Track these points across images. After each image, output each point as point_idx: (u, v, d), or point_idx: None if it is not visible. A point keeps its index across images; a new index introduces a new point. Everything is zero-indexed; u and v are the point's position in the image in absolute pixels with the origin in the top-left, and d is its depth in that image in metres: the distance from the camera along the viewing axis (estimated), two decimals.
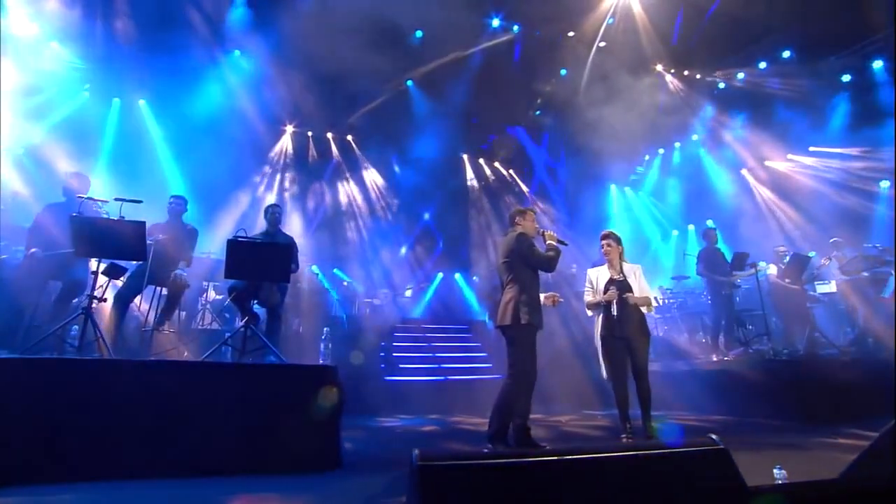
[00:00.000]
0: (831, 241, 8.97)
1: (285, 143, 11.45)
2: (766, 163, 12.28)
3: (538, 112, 13.17)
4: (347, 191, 12.13)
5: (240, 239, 4.91)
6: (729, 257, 7.80)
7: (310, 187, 11.49)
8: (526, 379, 4.20)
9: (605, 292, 4.66)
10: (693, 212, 13.11)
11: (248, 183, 10.71)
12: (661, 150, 14.12)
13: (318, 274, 11.32)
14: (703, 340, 8.78)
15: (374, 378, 8.40)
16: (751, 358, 6.80)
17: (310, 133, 11.76)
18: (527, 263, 4.36)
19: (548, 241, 4.49)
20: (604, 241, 4.82)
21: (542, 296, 4.45)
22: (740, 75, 12.22)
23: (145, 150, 9.48)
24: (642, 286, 4.72)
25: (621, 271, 4.77)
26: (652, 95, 12.61)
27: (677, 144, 13.69)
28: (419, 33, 10.78)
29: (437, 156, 11.87)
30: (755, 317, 8.42)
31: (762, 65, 11.88)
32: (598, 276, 4.81)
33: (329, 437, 3.89)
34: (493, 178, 13.70)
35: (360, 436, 5.73)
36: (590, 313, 4.83)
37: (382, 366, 8.90)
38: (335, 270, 11.14)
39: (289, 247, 5.28)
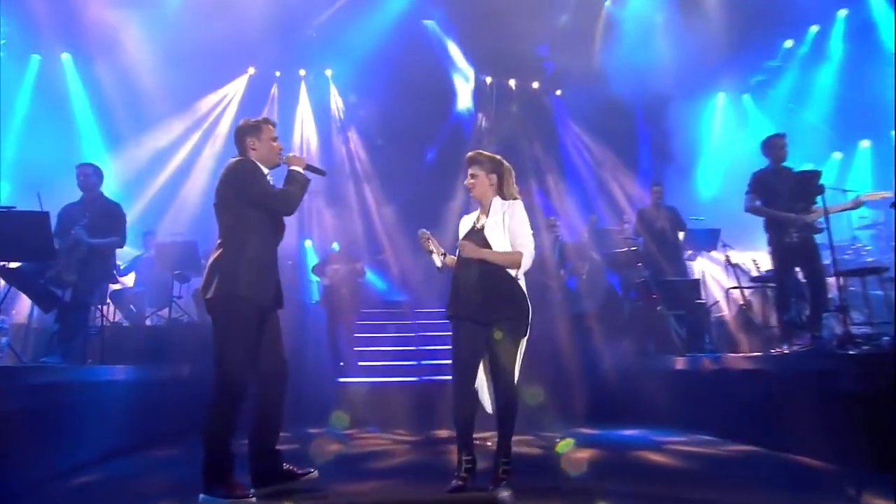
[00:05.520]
0: None
1: (240, 88, 10.88)
2: None
3: None
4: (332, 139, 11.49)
5: None
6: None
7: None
8: (229, 382, 3.35)
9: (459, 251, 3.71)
10: (861, 123, 9.89)
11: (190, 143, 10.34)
12: (815, 28, 10.49)
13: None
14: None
15: (321, 380, 7.59)
16: (811, 352, 4.75)
17: (278, 73, 11.05)
18: (248, 202, 3.51)
19: (292, 167, 3.68)
20: (469, 170, 3.76)
21: None
22: None
23: (66, 111, 9.36)
24: (514, 237, 3.57)
25: (488, 215, 3.70)
26: None
27: (843, 13, 10.08)
28: None
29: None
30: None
31: None
32: (465, 226, 3.86)
33: None
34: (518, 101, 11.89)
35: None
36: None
37: (341, 363, 8.07)
38: (334, 245, 10.22)
39: (42, 215, 4.92)
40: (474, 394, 3.57)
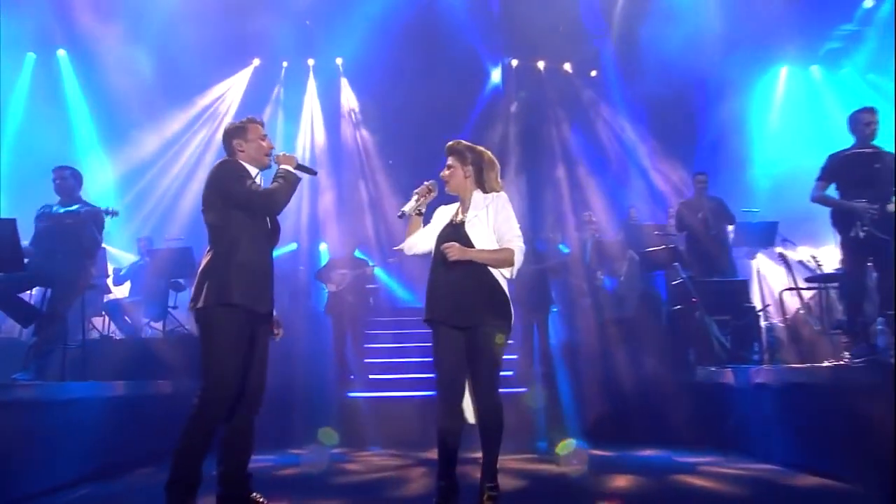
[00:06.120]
0: None
1: (244, 81, 10.80)
2: None
3: None
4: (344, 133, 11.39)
5: None
6: None
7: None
8: (214, 397, 3.35)
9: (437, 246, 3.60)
10: None
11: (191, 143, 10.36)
12: None
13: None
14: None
15: (327, 395, 7.42)
16: (865, 363, 4.42)
17: (285, 64, 10.93)
18: (233, 203, 3.51)
19: (282, 166, 3.67)
20: (448, 159, 3.71)
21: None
22: None
23: (62, 109, 9.50)
24: (501, 234, 3.52)
25: (468, 209, 3.65)
26: None
27: None
28: None
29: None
30: None
31: None
32: (442, 218, 3.75)
33: None
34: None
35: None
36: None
37: (352, 377, 7.96)
38: (356, 253, 10.13)
39: (9, 221, 4.76)
40: (461, 409, 3.47)
